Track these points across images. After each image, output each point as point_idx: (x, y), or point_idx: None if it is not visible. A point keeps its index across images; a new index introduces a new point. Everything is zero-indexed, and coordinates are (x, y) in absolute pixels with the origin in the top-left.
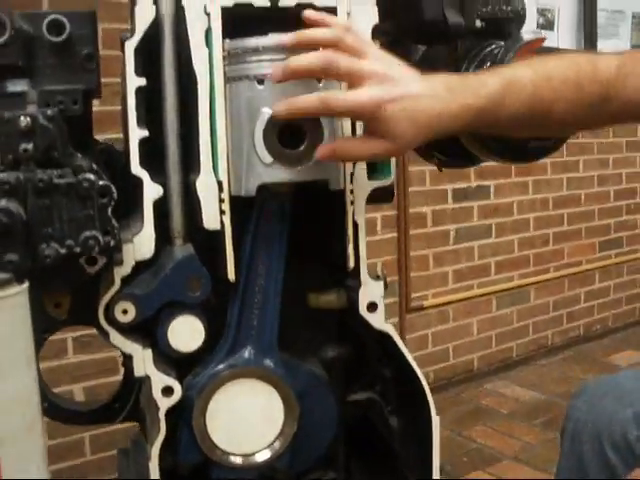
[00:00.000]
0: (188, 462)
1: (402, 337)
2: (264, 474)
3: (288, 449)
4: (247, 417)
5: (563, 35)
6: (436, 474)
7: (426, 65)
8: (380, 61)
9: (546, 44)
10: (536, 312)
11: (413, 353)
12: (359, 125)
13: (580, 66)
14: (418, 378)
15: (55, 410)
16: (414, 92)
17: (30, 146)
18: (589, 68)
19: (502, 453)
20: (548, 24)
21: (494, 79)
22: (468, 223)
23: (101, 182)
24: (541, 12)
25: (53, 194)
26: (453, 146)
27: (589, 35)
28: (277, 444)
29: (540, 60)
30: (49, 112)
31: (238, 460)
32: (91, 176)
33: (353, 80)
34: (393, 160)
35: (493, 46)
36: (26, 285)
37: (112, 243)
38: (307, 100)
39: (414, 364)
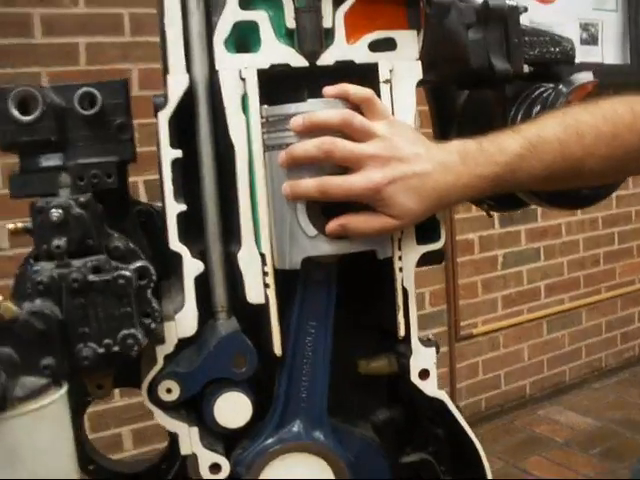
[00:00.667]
0: None
1: (452, 366)
2: None
3: None
4: None
5: (607, 49)
6: None
7: (472, 108)
8: (387, 141)
9: (590, 59)
10: (589, 334)
11: (463, 382)
12: None
13: (618, 115)
14: (473, 443)
15: (102, 472)
16: (419, 169)
17: (63, 242)
18: (628, 117)
19: None
20: (592, 39)
21: (515, 142)
22: (516, 247)
23: (139, 263)
24: (584, 27)
25: (88, 292)
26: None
27: (635, 49)
28: None
29: (573, 113)
30: (82, 199)
31: None
32: (127, 273)
33: (351, 165)
34: (442, 224)
35: (542, 89)
36: (65, 389)
37: (153, 325)
38: (306, 186)
39: (468, 429)
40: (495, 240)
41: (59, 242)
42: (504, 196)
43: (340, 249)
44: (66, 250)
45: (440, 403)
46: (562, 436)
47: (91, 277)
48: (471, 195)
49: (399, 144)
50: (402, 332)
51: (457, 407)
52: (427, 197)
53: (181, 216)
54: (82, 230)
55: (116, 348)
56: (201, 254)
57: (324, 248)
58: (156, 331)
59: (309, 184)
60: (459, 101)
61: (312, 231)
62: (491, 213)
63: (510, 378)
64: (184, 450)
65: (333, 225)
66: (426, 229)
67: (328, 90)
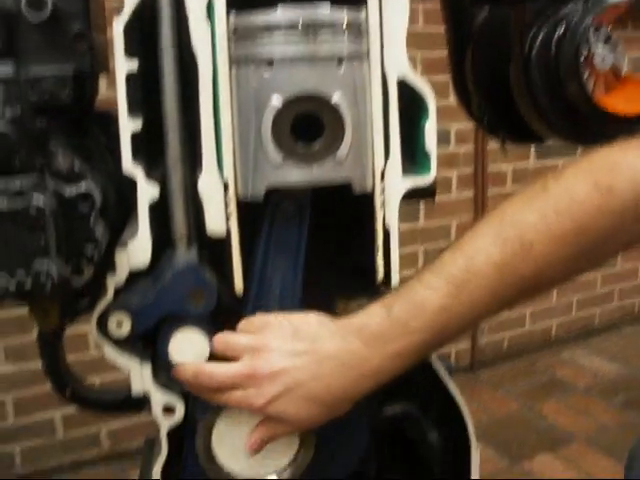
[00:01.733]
0: None
1: None
2: None
3: (304, 475)
4: None
5: None
6: None
7: (489, 29)
8: (256, 355)
9: None
10: (623, 278)
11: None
12: (393, 110)
13: (579, 201)
14: (457, 404)
15: (79, 398)
16: (302, 376)
17: None
18: (594, 199)
19: (574, 434)
20: None
21: (434, 293)
22: None
23: (83, 186)
24: None
25: None
26: (518, 124)
27: None
28: (287, 472)
29: (514, 217)
30: (8, 114)
31: None
32: (39, 203)
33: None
34: (434, 156)
35: (568, 8)
36: None
37: (95, 256)
38: (183, 373)
39: (451, 387)
40: (530, 173)
41: None
42: (521, 128)
43: (309, 179)
44: None
45: None
46: (585, 382)
47: None
48: (392, 374)
49: (270, 354)
50: (381, 275)
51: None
52: (325, 400)
53: (136, 136)
54: (4, 148)
55: (28, 285)
56: (162, 183)
57: (290, 177)
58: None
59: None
60: (477, 20)
61: (277, 157)
62: (506, 149)
63: (536, 318)
64: (135, 389)
65: (252, 444)
66: (415, 159)
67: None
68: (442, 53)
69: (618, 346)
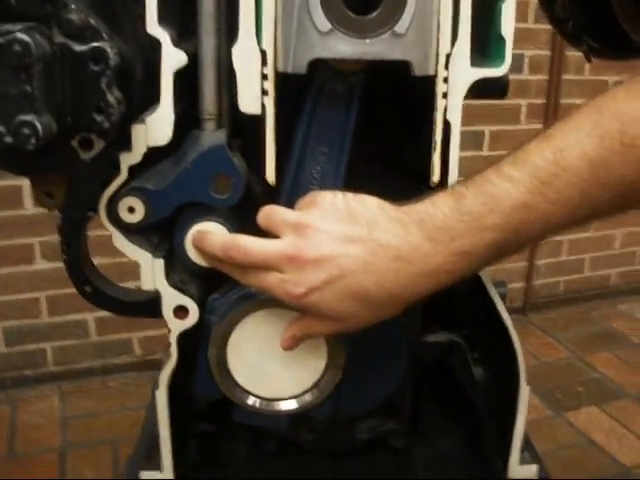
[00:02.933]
0: (205, 397)
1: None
2: (300, 422)
3: (327, 400)
4: (277, 356)
5: None
6: (515, 453)
7: None
8: (302, 234)
9: None
10: None
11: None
12: None
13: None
14: (510, 336)
15: (98, 296)
16: (351, 265)
17: None
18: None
19: (624, 389)
20: None
21: (515, 186)
22: None
23: (95, 44)
24: None
25: None
26: (609, 29)
27: None
28: (308, 396)
29: (615, 107)
30: None
31: (258, 404)
32: (24, 37)
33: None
34: (510, 42)
35: None
36: None
37: (106, 125)
38: (211, 243)
39: (506, 317)
40: None
41: None
42: (613, 35)
43: (361, 52)
44: None
45: (476, 277)
46: None
47: None
48: (454, 276)
49: (318, 235)
50: (436, 177)
51: (500, 285)
52: (374, 297)
53: None
54: None
55: (8, 138)
56: (192, 53)
57: (339, 49)
58: (113, 132)
59: (215, 241)
60: None
61: (326, 24)
62: (591, 58)
63: (595, 264)
64: (145, 284)
65: (284, 340)
66: (488, 48)
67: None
68: None
69: None
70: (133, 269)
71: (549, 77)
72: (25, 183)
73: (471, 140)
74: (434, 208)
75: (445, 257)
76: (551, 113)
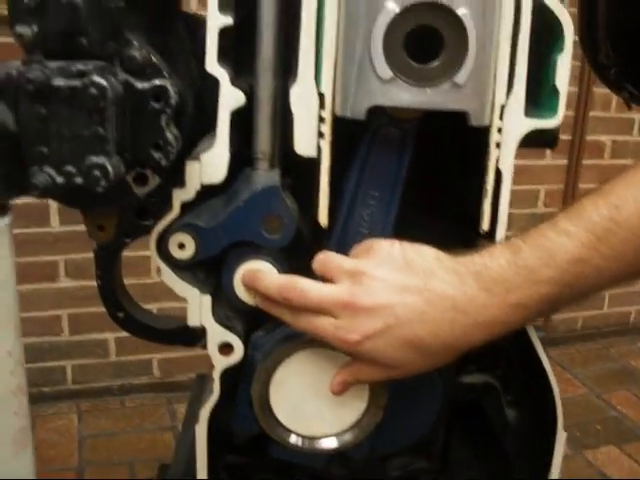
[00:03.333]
0: (244, 433)
1: None
2: (336, 459)
3: (366, 440)
4: (320, 394)
5: None
6: None
7: None
8: (358, 281)
9: None
10: None
11: None
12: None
13: None
14: (549, 383)
15: (131, 323)
16: (407, 314)
17: (30, 30)
18: None
19: None
20: None
21: (571, 240)
22: None
23: (157, 82)
24: None
25: (51, 100)
26: None
27: None
28: (349, 435)
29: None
30: None
31: (299, 442)
32: (102, 81)
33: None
34: (564, 94)
35: None
36: (7, 221)
37: (163, 162)
38: (267, 282)
39: (545, 362)
40: (630, 147)
41: (24, 30)
42: None
43: (421, 101)
44: (39, 43)
45: None
46: None
47: (56, 81)
48: (509, 327)
49: (374, 283)
50: (486, 225)
51: (537, 329)
52: (429, 346)
53: (225, 34)
54: (68, 21)
55: (79, 179)
56: (249, 92)
57: (399, 97)
58: (168, 169)
59: (272, 282)
60: None
61: (387, 73)
62: (631, 106)
63: (615, 301)
64: (192, 321)
65: (335, 385)
66: (541, 98)
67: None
68: None
69: None
70: (155, 290)
71: (575, 113)
72: (52, 201)
73: None
74: (491, 260)
75: (500, 309)
76: (576, 149)
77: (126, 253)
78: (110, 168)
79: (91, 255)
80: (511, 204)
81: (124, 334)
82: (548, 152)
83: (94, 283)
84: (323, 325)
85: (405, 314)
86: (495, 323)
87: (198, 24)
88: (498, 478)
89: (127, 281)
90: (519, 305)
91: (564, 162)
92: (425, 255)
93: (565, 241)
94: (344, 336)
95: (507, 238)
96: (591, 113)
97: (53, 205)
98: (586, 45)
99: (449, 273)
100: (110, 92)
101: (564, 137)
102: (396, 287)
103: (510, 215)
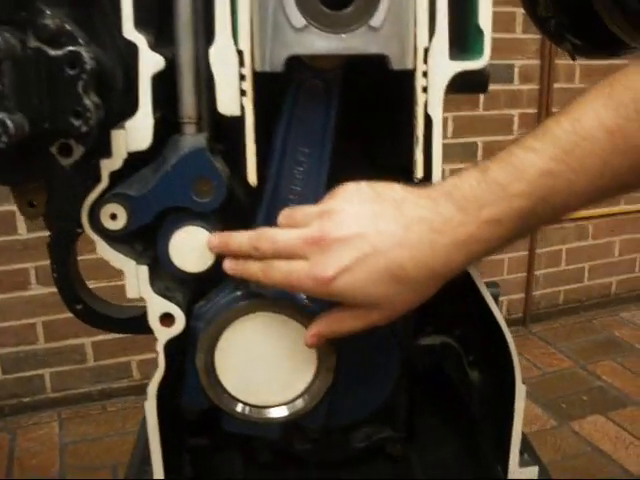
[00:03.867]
0: (193, 407)
1: (532, 251)
2: (290, 429)
3: (320, 406)
4: (267, 361)
5: None
6: (514, 455)
7: None
8: (326, 217)
9: None
10: None
11: (543, 269)
12: None
13: None
14: (504, 335)
15: (89, 314)
16: (382, 241)
17: None
18: None
19: (629, 397)
20: None
21: (538, 155)
22: None
23: (70, 48)
24: None
25: None
26: (591, 25)
27: None
28: (300, 402)
29: (627, 80)
30: None
31: (248, 411)
32: None
33: (290, 258)
34: (488, 33)
35: None
36: None
37: (84, 129)
38: (237, 241)
39: (498, 315)
40: None
41: None
42: (597, 33)
43: (337, 48)
44: None
45: (467, 275)
46: None
47: None
48: (487, 247)
49: (343, 216)
50: (419, 173)
51: (493, 285)
52: (410, 274)
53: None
54: None
55: None
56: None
57: (315, 45)
58: (91, 137)
59: (243, 240)
60: None
61: (300, 21)
62: (575, 57)
63: (595, 273)
64: (130, 293)
65: (308, 337)
66: (467, 42)
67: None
68: None
69: None
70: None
71: (540, 86)
72: None
73: (464, 152)
74: (460, 181)
75: (477, 226)
76: (543, 121)
77: (95, 256)
78: (10, 123)
79: None
80: None
81: (101, 338)
82: (516, 127)
83: None
84: (296, 269)
85: (381, 241)
86: (473, 241)
87: None
88: (467, 440)
89: (98, 284)
90: (494, 221)
91: None
92: (394, 187)
93: (533, 157)
94: (318, 274)
95: None
96: (555, 85)
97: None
98: None
99: (421, 198)
100: (3, 44)
101: (531, 111)
102: (369, 216)
103: None
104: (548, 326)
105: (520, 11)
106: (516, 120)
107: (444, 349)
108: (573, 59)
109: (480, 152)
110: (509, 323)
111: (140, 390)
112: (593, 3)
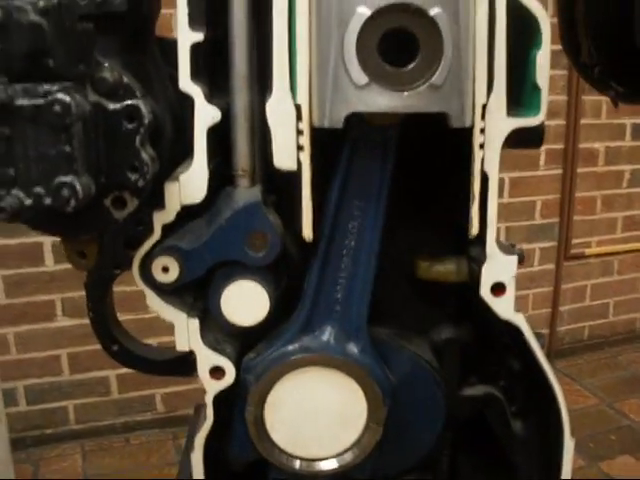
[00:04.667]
0: (241, 459)
1: (557, 287)
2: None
3: (368, 459)
4: (317, 415)
5: None
6: None
7: None
8: None
9: None
10: None
11: (568, 305)
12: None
13: None
14: (553, 390)
15: (125, 355)
16: None
17: None
18: None
19: None
20: None
21: None
22: None
23: (129, 102)
24: None
25: (16, 121)
26: (636, 74)
27: None
28: (349, 455)
29: None
30: (42, 3)
31: (298, 464)
32: (66, 98)
33: None
34: (545, 90)
35: None
36: None
37: (140, 183)
38: None
39: (547, 367)
40: (624, 153)
41: None
42: (636, 77)
43: (399, 106)
44: (3, 65)
45: (515, 329)
46: None
47: (20, 101)
48: None
49: None
50: (475, 229)
51: (539, 336)
52: None
53: (197, 50)
54: (34, 43)
55: (48, 200)
56: (225, 108)
57: (377, 102)
58: (147, 191)
59: None
60: None
61: (362, 78)
62: (618, 103)
63: (620, 308)
64: (180, 345)
65: None
66: (523, 97)
67: None
68: None
69: None
70: (153, 325)
71: (567, 122)
72: (46, 240)
73: None
74: None
75: None
76: (570, 157)
77: (122, 288)
78: (79, 187)
79: None
80: (508, 217)
81: (125, 370)
82: (542, 162)
83: None
84: None
85: None
86: None
87: (174, 48)
88: None
89: (124, 317)
90: None
91: (559, 172)
92: None
93: None
94: None
95: (500, 244)
96: (582, 121)
97: (47, 243)
98: (567, 45)
99: None
100: (75, 108)
101: (557, 146)
102: None
103: (508, 228)
104: (573, 362)
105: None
106: (543, 156)
107: (488, 399)
108: (615, 106)
109: (507, 188)
110: None
111: (164, 423)
112: (638, 50)
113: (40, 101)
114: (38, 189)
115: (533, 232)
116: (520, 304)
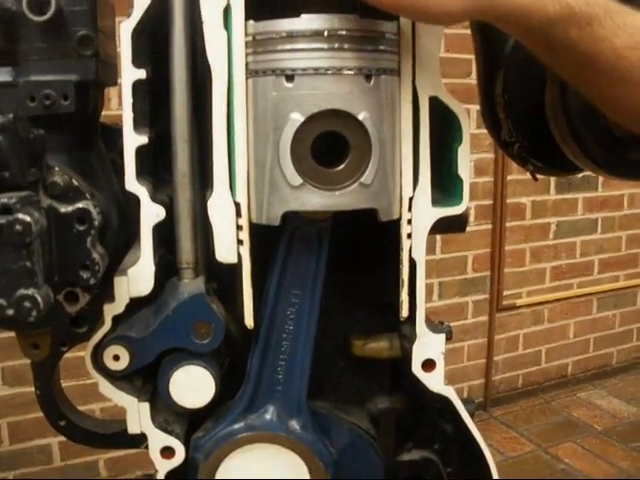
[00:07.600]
0: None
1: (490, 337)
2: None
3: None
4: None
5: None
6: None
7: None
8: None
9: None
10: None
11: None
12: (423, 131)
13: None
14: (480, 448)
15: (73, 430)
16: None
17: None
18: None
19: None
20: None
21: None
22: (571, 216)
23: (80, 205)
24: None
25: None
26: (550, 151)
27: None
28: None
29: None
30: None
31: None
32: (26, 217)
33: None
34: (466, 181)
35: None
36: None
37: (92, 281)
38: None
39: (475, 431)
40: (549, 206)
41: None
42: (554, 156)
43: (331, 204)
44: None
45: (445, 399)
46: (602, 424)
47: None
48: (528, 14)
49: None
50: (405, 312)
51: (469, 403)
52: None
53: (141, 151)
54: None
55: (10, 311)
56: (169, 203)
57: (310, 202)
58: (97, 286)
59: None
60: (509, 44)
61: (297, 179)
62: (537, 176)
63: (552, 355)
64: (132, 428)
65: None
66: (445, 188)
67: None
68: (465, 80)
69: (636, 387)
70: (95, 391)
71: (494, 179)
72: None
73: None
74: None
75: None
76: (498, 212)
77: (64, 355)
78: (40, 299)
79: (27, 361)
80: (441, 272)
81: None
82: (472, 218)
83: (32, 389)
84: None
85: None
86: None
87: (116, 134)
88: None
89: (67, 383)
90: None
91: (488, 226)
92: None
93: None
94: None
95: (429, 323)
96: (509, 177)
97: None
98: (489, 123)
99: None
100: (34, 227)
101: (486, 202)
102: None
103: (441, 283)
104: (509, 410)
105: (474, 108)
106: (473, 212)
107: (424, 463)
108: (535, 179)
109: (439, 244)
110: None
111: None
112: (553, 135)
113: (2, 221)
114: (0, 301)
115: (466, 286)
116: (456, 355)
